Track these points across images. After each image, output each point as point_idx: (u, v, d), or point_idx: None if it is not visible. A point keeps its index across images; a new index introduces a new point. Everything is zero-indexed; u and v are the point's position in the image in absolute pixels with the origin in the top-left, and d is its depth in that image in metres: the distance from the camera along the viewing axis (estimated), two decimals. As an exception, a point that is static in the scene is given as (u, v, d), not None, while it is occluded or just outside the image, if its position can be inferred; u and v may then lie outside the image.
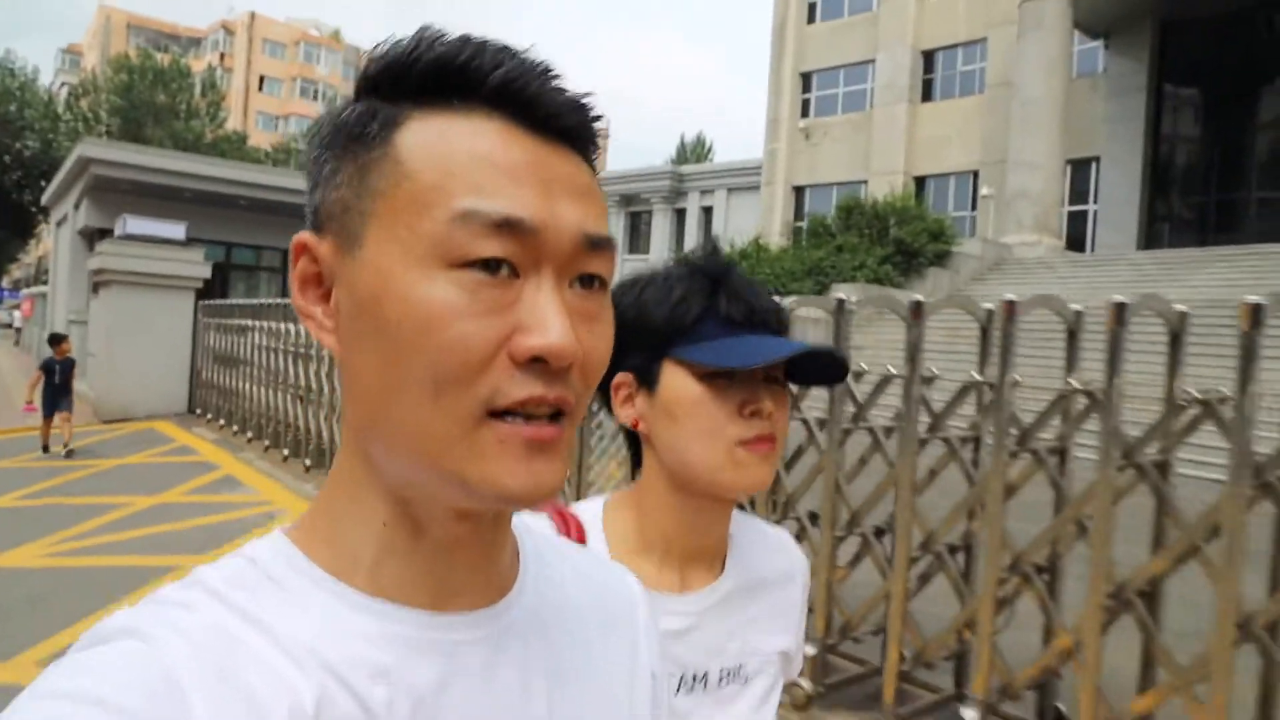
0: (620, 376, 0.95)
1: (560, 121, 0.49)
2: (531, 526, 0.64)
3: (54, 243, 22.37)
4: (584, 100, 0.50)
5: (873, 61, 27.07)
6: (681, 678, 0.92)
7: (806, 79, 29.02)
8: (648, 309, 0.93)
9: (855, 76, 27.86)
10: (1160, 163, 21.61)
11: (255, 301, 10.79)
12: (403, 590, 0.50)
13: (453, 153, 0.46)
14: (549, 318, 0.46)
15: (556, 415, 0.47)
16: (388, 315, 0.45)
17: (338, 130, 0.50)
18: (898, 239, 17.60)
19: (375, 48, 0.50)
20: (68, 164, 17.10)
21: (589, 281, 0.50)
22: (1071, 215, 23.11)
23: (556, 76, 0.49)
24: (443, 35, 0.49)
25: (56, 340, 9.99)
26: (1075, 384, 3.35)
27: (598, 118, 0.51)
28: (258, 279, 18.59)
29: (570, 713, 0.56)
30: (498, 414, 0.46)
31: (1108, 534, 2.86)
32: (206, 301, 13.00)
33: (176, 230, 12.75)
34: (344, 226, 0.48)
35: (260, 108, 59.95)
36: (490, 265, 0.45)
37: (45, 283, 26.09)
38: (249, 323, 10.67)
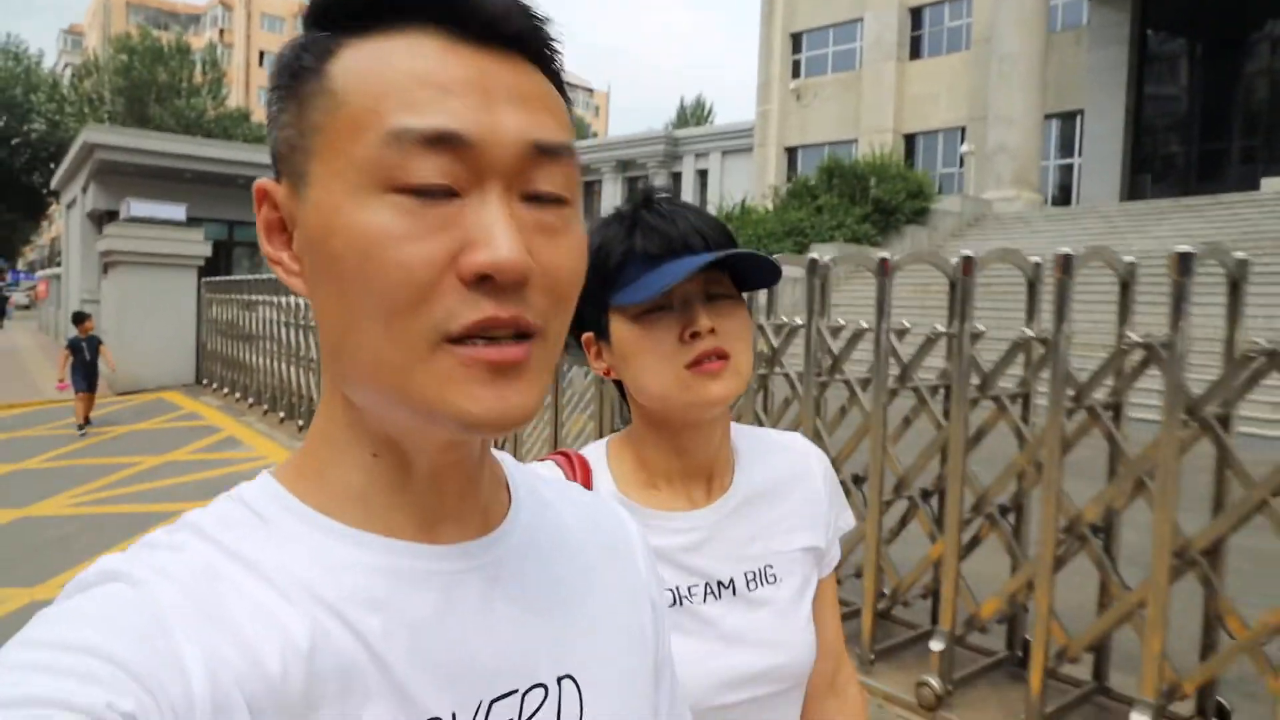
0: (585, 335, 0.98)
1: (501, 28, 0.47)
2: (529, 467, 0.66)
3: (65, 225, 23.20)
4: (525, 3, 0.48)
5: (861, 20, 27.18)
6: (706, 585, 0.95)
7: (797, 40, 29.14)
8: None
9: (844, 35, 27.98)
10: (1143, 114, 21.85)
11: (254, 277, 11.53)
12: (392, 523, 0.50)
13: (384, 73, 0.45)
14: (494, 232, 0.44)
15: (522, 336, 0.46)
16: (334, 249, 0.45)
17: (282, 69, 0.49)
18: (876, 198, 18.07)
19: None
20: (74, 149, 17.82)
21: (545, 197, 0.48)
22: (1060, 168, 23.47)
23: None
24: None
25: (80, 319, 10.28)
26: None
27: (543, 20, 0.49)
28: (257, 255, 19.30)
29: (573, 637, 0.56)
30: (456, 340, 0.44)
31: (1170, 494, 2.79)
32: (209, 278, 13.79)
33: (177, 211, 13.48)
34: (293, 167, 0.48)
35: (262, 83, 60.22)
36: (427, 192, 0.44)
37: (59, 264, 26.96)
38: (250, 297, 11.44)
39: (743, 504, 0.99)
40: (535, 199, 0.47)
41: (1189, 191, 19.42)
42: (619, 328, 0.94)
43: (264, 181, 0.50)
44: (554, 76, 0.51)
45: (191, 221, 14.26)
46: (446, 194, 0.44)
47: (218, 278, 13.72)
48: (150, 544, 0.47)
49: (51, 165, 35.85)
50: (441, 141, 0.44)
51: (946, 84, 25.18)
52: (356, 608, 0.47)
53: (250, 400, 11.33)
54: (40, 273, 38.08)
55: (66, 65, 58.73)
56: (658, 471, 0.99)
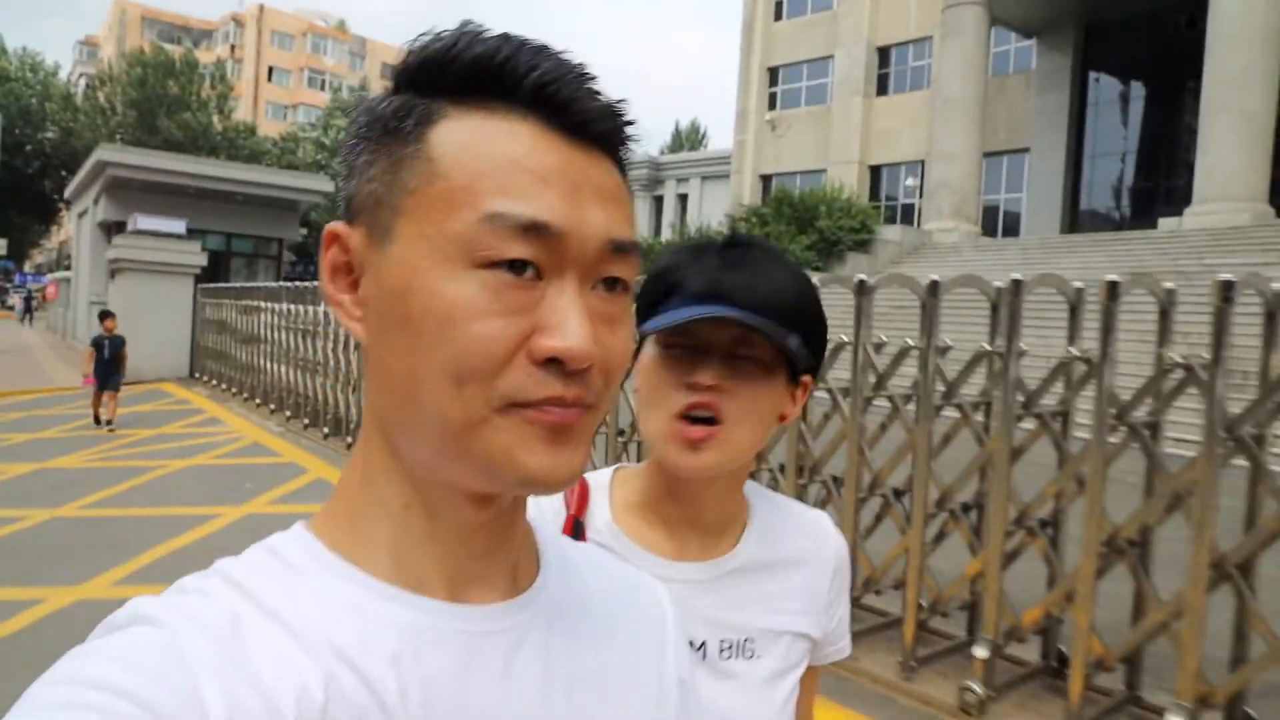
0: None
1: (593, 127, 0.49)
2: (547, 517, 0.69)
3: (76, 233, 24.83)
4: (616, 106, 0.51)
5: (832, 57, 28.91)
6: None
7: (773, 73, 30.87)
8: (641, 285, 0.92)
9: (817, 71, 29.68)
10: (1082, 153, 23.52)
11: (243, 285, 13.25)
12: (421, 577, 0.51)
13: (484, 154, 0.47)
14: (569, 320, 0.46)
15: (577, 405, 0.48)
16: (413, 309, 0.46)
17: (374, 122, 0.50)
18: (821, 228, 19.70)
19: (416, 40, 0.51)
20: (88, 165, 19.47)
21: (612, 284, 0.50)
22: (1008, 201, 25.10)
23: (591, 80, 0.50)
24: (482, 33, 0.49)
25: (105, 315, 10.63)
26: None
27: (630, 123, 0.52)
28: (256, 265, 20.94)
29: (593, 712, 0.55)
30: (520, 405, 0.47)
31: (1207, 513, 2.92)
32: (205, 285, 15.48)
33: (178, 225, 15.14)
34: (375, 219, 0.49)
35: (270, 97, 62.19)
36: (515, 266, 0.46)
37: (68, 268, 28.60)
38: (240, 302, 13.08)
39: (739, 570, 0.94)
40: (604, 287, 0.50)
41: (1121, 226, 21.05)
42: (646, 350, 0.92)
43: (337, 226, 0.51)
44: (623, 168, 0.53)
45: (192, 233, 15.94)
46: (530, 277, 0.47)
47: (212, 284, 15.44)
48: (180, 589, 0.48)
49: (63, 173, 37.43)
50: (534, 230, 0.46)
51: (909, 120, 26.83)
52: (374, 661, 0.47)
53: (233, 390, 13.16)
54: (49, 276, 39.61)
55: (81, 75, 60.62)
56: (653, 509, 0.95)
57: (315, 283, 10.32)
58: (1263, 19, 15.76)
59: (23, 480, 7.27)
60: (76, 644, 0.44)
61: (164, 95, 39.57)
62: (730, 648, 0.93)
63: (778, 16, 30.99)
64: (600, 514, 0.95)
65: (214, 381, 14.36)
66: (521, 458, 0.47)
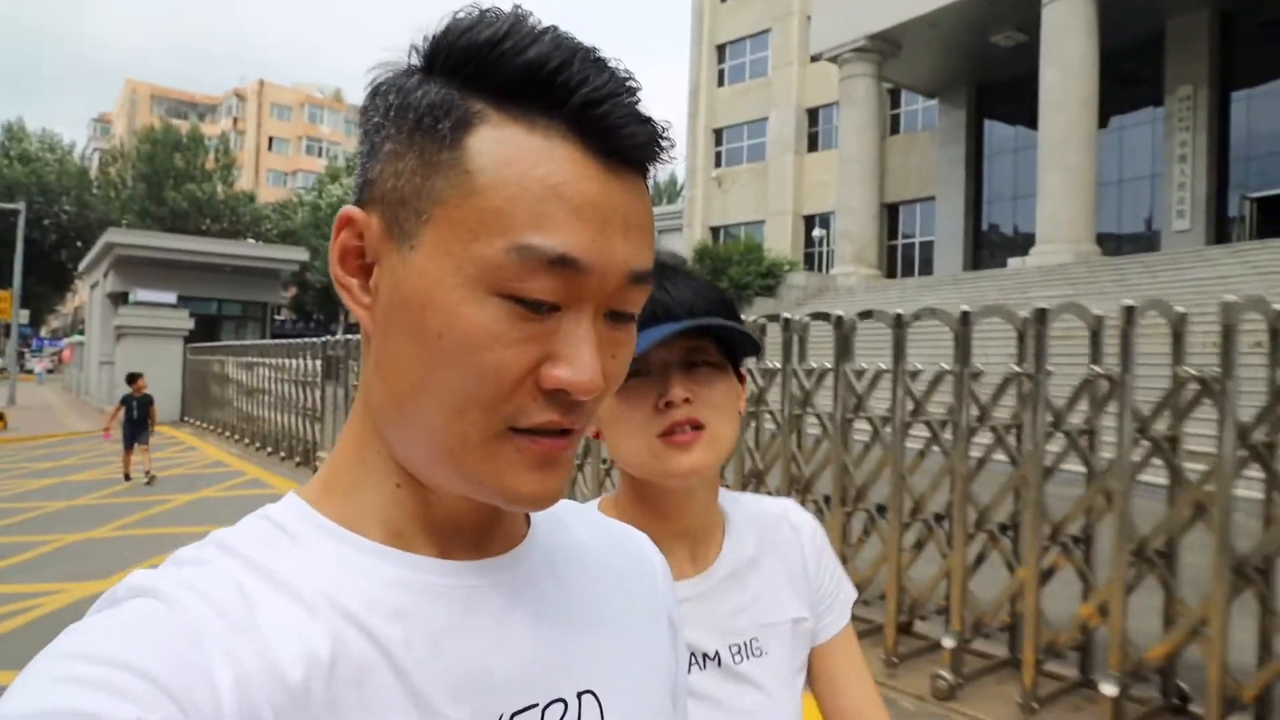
0: None
1: (634, 154, 0.49)
2: None
3: (89, 302, 28.03)
4: (662, 132, 0.50)
5: (767, 118, 32.04)
6: (691, 657, 0.93)
7: (718, 134, 33.98)
8: None
9: (755, 131, 32.71)
10: (981, 199, 26.40)
11: (225, 344, 16.47)
12: (414, 542, 0.52)
13: (521, 177, 0.46)
14: (582, 354, 0.47)
15: (566, 431, 0.49)
16: (431, 325, 0.46)
17: (405, 108, 0.48)
18: (730, 276, 22.64)
19: (460, 18, 0.48)
20: (98, 245, 22.73)
21: (621, 316, 0.50)
22: (922, 245, 27.97)
23: (638, 100, 0.49)
24: (534, 33, 0.47)
25: (133, 378, 10.99)
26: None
27: (671, 145, 0.51)
28: (245, 326, 24.03)
29: (592, 653, 0.57)
30: (516, 430, 0.48)
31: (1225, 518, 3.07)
32: (192, 344, 18.75)
33: (169, 296, 18.35)
34: (397, 217, 0.48)
35: (271, 165, 66.03)
36: (536, 305, 0.46)
37: (81, 332, 31.75)
38: (220, 358, 16.13)
39: (730, 575, 0.98)
40: (614, 316, 0.50)
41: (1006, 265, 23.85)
42: None
43: (353, 211, 0.50)
44: (648, 189, 0.52)
45: (183, 300, 19.12)
46: (548, 309, 0.47)
47: (198, 344, 18.68)
48: (178, 561, 0.48)
49: (78, 244, 40.52)
50: (561, 263, 0.46)
51: (835, 173, 29.73)
52: (377, 617, 0.48)
53: (214, 429, 16.38)
54: (65, 340, 42.75)
55: (95, 150, 64.60)
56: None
57: (288, 341, 13.43)
58: (1077, 87, 18.66)
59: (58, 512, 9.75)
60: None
61: (171, 169, 42.69)
62: (740, 650, 0.95)
63: (720, 83, 34.18)
64: None
65: (198, 423, 17.68)
66: (511, 481, 0.49)
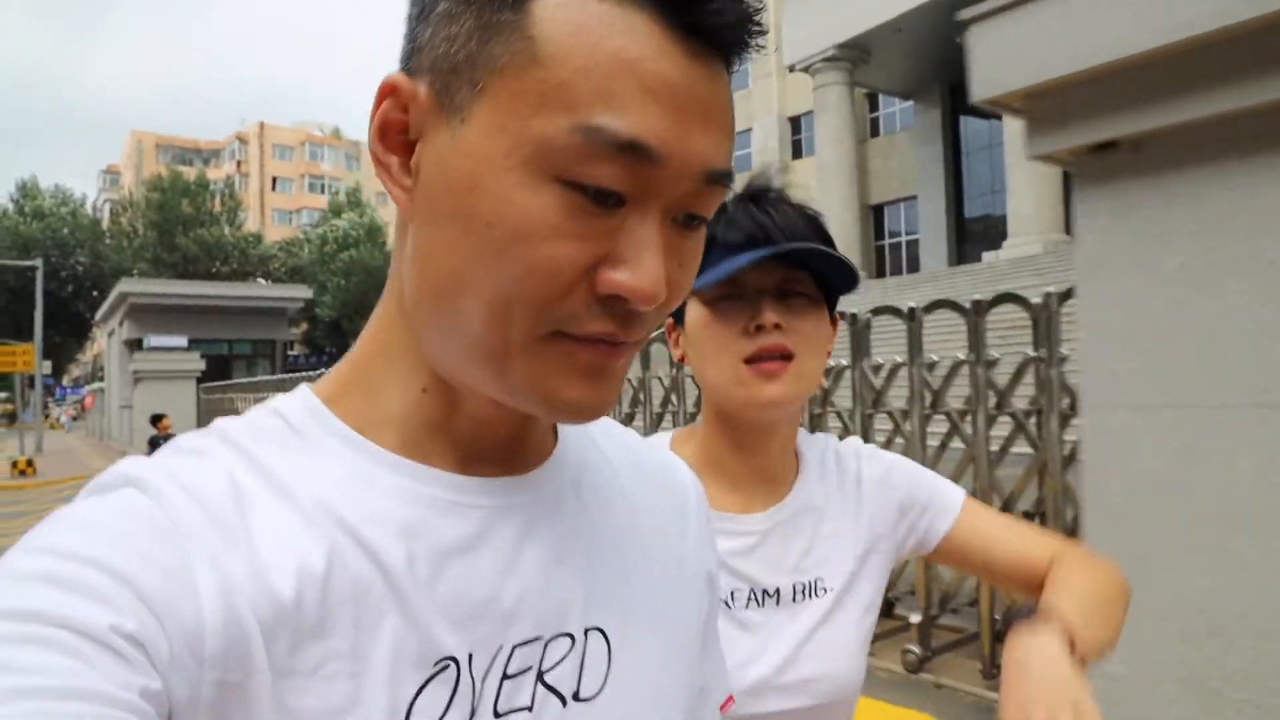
0: (667, 320, 0.95)
1: (724, 35, 0.43)
2: None
3: (107, 350, 29.15)
4: (753, 12, 0.44)
5: (751, 129, 32.91)
6: (751, 592, 0.93)
7: (705, 147, 34.86)
8: None
9: (741, 142, 33.56)
10: (961, 195, 27.06)
11: (233, 381, 17.26)
12: (432, 454, 0.49)
13: (591, 48, 0.41)
14: (645, 257, 0.43)
15: (621, 343, 0.45)
16: (479, 210, 0.42)
17: None
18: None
19: None
20: (113, 295, 23.82)
21: (693, 219, 0.46)
22: (908, 243, 28.64)
23: None
24: None
25: (157, 419, 11.09)
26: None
27: (764, 32, 0.45)
28: (256, 364, 25.00)
29: (608, 589, 0.53)
30: (565, 334, 0.44)
31: None
32: (205, 384, 19.67)
33: (180, 341, 19.38)
34: (448, 87, 0.43)
35: (275, 205, 67.32)
36: (600, 195, 0.42)
37: (101, 379, 32.92)
38: (232, 395, 16.99)
39: (798, 514, 0.97)
40: (685, 219, 0.46)
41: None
42: (693, 311, 0.92)
43: (398, 78, 0.45)
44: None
45: (194, 343, 20.11)
46: (614, 202, 0.42)
47: (210, 383, 19.63)
48: (176, 448, 0.46)
49: (94, 293, 41.69)
50: (631, 150, 0.41)
51: (825, 179, 30.58)
52: (380, 533, 0.45)
53: None
54: (86, 388, 43.97)
55: (106, 201, 66.14)
56: (715, 466, 0.96)
57: (296, 375, 14.17)
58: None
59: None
60: None
61: (180, 215, 43.82)
62: (805, 589, 0.94)
63: (704, 97, 35.00)
64: None
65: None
66: (558, 389, 0.45)
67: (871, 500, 1.02)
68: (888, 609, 4.53)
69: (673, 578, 0.60)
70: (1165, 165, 1.62)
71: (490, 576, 0.48)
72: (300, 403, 0.49)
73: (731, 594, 0.93)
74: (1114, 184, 1.70)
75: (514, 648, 0.48)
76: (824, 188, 25.28)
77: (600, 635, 0.52)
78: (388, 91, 0.46)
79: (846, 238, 25.03)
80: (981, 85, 1.80)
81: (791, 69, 28.52)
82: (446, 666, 0.46)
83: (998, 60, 1.78)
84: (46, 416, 51.39)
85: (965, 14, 1.80)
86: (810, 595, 0.95)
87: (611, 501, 0.58)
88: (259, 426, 0.48)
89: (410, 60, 0.46)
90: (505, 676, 0.48)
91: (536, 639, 0.50)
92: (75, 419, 45.74)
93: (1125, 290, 1.69)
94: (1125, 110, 1.63)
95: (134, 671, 0.36)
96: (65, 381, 58.41)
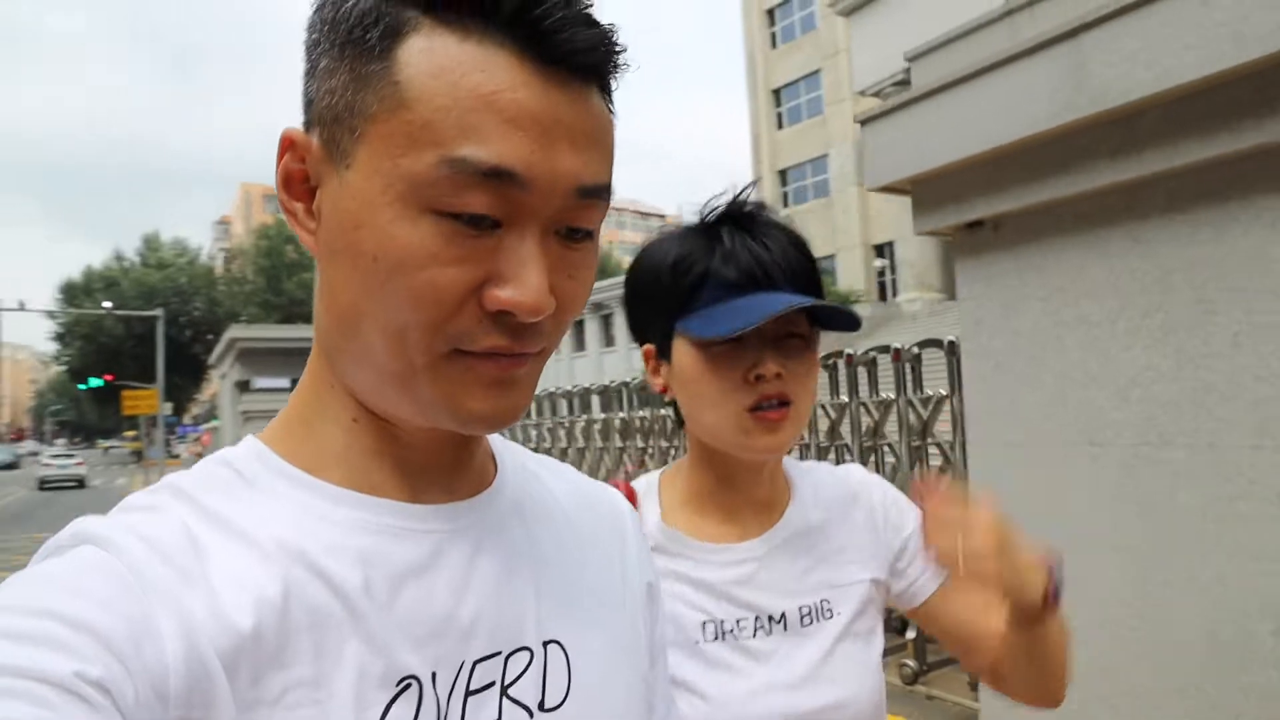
0: (645, 347, 0.96)
1: (577, 59, 0.46)
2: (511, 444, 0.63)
3: (221, 390, 31.17)
4: (608, 35, 0.47)
5: (828, 155, 32.88)
6: (756, 619, 0.91)
7: (783, 175, 34.97)
8: (652, 277, 0.93)
9: (818, 169, 33.52)
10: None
11: None
12: (375, 484, 0.51)
13: (452, 87, 0.43)
14: (525, 273, 0.45)
15: (520, 354, 0.47)
16: (365, 246, 0.45)
17: (338, 21, 0.46)
18: (794, 313, 23.35)
19: None
20: (223, 340, 25.54)
21: (576, 232, 0.48)
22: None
23: (584, 3, 0.46)
24: None
25: None
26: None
27: (621, 51, 0.48)
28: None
29: (560, 604, 0.55)
30: (463, 352, 0.46)
31: None
32: None
33: (284, 382, 20.64)
34: (333, 137, 0.47)
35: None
36: (473, 220, 0.44)
37: (216, 418, 35.14)
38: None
39: (795, 535, 0.96)
40: (567, 234, 0.48)
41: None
42: (683, 353, 0.91)
43: (294, 133, 0.49)
44: (607, 100, 0.49)
45: (295, 384, 21.36)
46: (488, 225, 0.45)
47: None
48: (128, 506, 0.47)
49: (209, 336, 44.28)
50: (496, 176, 0.43)
51: (897, 202, 30.16)
52: (336, 562, 0.46)
53: None
54: (203, 426, 46.79)
55: (220, 250, 70.54)
56: (708, 501, 0.96)
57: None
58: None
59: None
60: None
61: (285, 260, 46.30)
62: (811, 611, 0.93)
63: (779, 126, 35.23)
64: (650, 518, 0.95)
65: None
66: (464, 402, 0.47)
67: (881, 531, 1.02)
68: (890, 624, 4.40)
69: (616, 590, 0.62)
70: (1017, 241, 1.93)
71: (446, 596, 0.50)
72: (246, 450, 0.52)
73: (737, 623, 0.92)
74: (983, 257, 2.01)
75: (475, 663, 0.50)
76: (901, 211, 25.07)
77: (558, 647, 0.54)
78: (287, 146, 0.49)
79: (924, 261, 24.77)
80: (874, 174, 2.14)
81: (863, 93, 28.51)
82: (409, 685, 0.47)
83: (888, 152, 2.12)
84: (169, 454, 54.87)
85: (859, 115, 2.14)
86: (817, 617, 0.94)
87: (554, 522, 0.60)
88: (209, 477, 0.49)
89: (306, 113, 0.50)
90: (470, 692, 0.50)
91: (496, 654, 0.51)
92: (197, 456, 48.51)
93: (995, 346, 1.99)
94: (986, 194, 1.94)
95: (100, 716, 0.37)
96: (187, 420, 61.95)
